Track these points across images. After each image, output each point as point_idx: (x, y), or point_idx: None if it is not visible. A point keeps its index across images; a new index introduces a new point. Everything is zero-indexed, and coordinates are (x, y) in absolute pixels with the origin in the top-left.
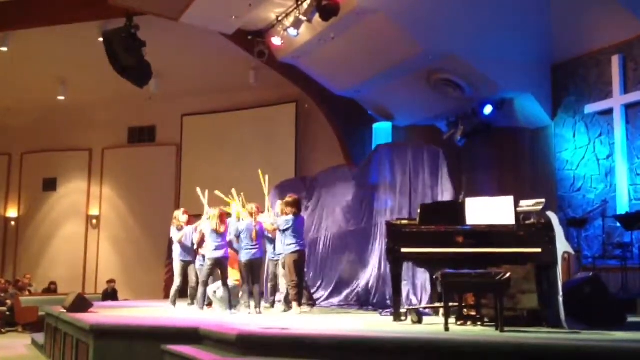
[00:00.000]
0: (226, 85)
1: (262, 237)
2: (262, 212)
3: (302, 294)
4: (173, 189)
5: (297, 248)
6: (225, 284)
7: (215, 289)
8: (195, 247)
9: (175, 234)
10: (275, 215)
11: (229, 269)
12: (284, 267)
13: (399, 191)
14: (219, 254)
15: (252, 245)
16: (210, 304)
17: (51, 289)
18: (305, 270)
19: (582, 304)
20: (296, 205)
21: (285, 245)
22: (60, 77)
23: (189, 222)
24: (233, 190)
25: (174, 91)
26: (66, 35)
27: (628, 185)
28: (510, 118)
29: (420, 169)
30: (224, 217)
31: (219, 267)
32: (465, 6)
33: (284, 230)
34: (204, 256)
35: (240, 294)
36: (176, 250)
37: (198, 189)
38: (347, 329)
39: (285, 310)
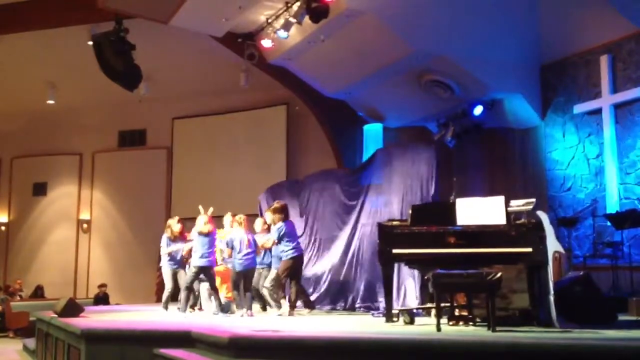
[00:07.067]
0: (217, 88)
1: (255, 246)
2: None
3: (296, 297)
4: (164, 192)
5: (295, 254)
6: (214, 289)
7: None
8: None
9: (164, 246)
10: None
11: (223, 285)
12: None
13: (393, 193)
14: (204, 262)
15: (246, 255)
16: (201, 308)
17: (38, 294)
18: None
19: (573, 303)
20: (284, 211)
21: (282, 252)
22: (49, 81)
23: (182, 232)
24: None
25: (165, 94)
26: (55, 39)
27: (618, 184)
28: (500, 118)
29: (416, 170)
30: (210, 219)
31: (204, 274)
32: (454, 7)
33: (279, 240)
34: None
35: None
36: (164, 258)
37: (200, 207)
38: (338, 331)
39: (279, 314)
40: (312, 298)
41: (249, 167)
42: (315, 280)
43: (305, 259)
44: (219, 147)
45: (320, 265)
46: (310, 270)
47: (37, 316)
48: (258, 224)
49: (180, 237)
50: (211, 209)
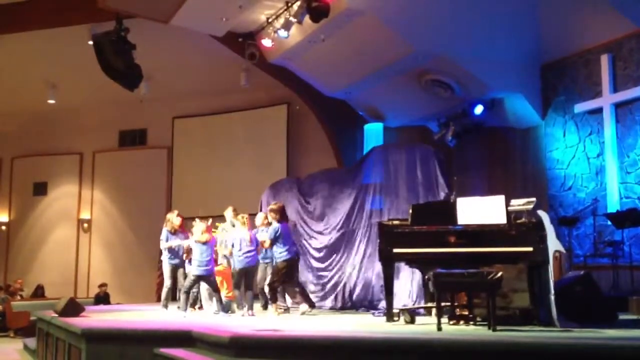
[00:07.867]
0: (217, 88)
1: (256, 244)
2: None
3: (294, 296)
4: (164, 192)
5: (289, 256)
6: (215, 291)
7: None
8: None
9: (164, 240)
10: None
11: (224, 284)
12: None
13: (392, 192)
14: (202, 271)
15: (247, 253)
16: (201, 307)
17: (38, 293)
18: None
19: (573, 303)
20: (280, 212)
21: (277, 254)
22: (50, 81)
23: (181, 226)
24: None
25: (165, 94)
26: (56, 38)
27: (618, 183)
28: (501, 118)
29: (413, 170)
30: (209, 229)
31: (204, 281)
32: (454, 7)
33: (276, 239)
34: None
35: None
36: (165, 253)
37: (197, 220)
38: (339, 330)
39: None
40: (313, 297)
41: (250, 167)
42: (316, 280)
43: (306, 259)
44: (219, 146)
45: (321, 265)
46: (310, 269)
47: (38, 316)
48: (259, 218)
49: (180, 230)
50: (210, 220)
